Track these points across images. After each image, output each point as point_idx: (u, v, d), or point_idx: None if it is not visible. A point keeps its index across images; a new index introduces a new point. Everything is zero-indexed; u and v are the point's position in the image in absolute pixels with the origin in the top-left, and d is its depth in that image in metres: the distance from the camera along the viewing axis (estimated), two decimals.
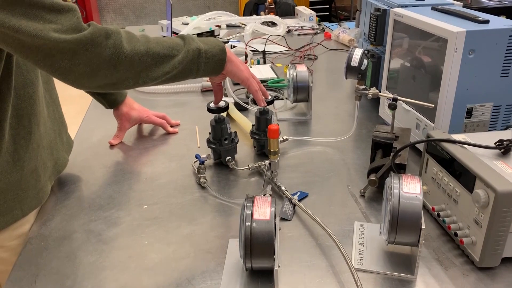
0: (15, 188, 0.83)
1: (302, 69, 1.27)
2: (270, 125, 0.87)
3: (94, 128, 1.26)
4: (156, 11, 7.12)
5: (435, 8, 1.05)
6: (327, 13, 5.40)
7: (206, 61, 0.86)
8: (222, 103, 1.02)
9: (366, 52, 1.32)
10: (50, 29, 0.67)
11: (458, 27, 0.87)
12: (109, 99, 1.15)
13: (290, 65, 1.31)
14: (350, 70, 0.96)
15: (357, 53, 0.95)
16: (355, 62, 0.94)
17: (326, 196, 0.92)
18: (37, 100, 0.87)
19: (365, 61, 0.94)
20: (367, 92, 0.95)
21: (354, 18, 5.41)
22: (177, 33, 2.12)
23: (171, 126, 1.26)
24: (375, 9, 1.23)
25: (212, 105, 1.02)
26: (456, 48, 0.86)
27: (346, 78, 0.98)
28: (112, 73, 0.74)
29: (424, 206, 0.84)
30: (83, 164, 1.08)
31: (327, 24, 2.50)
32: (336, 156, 1.08)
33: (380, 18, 1.20)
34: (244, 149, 1.12)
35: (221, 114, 1.03)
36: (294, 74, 1.26)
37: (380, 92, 0.96)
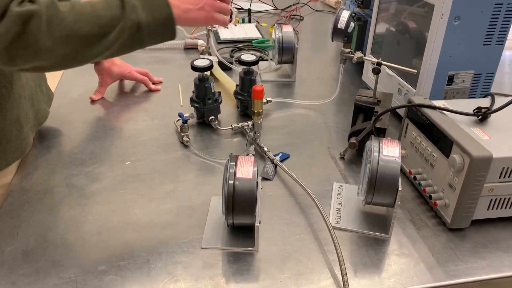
0: None
1: (288, 29, 1.26)
2: (254, 86, 0.87)
3: (74, 83, 1.23)
4: None
5: None
6: None
7: (149, 34, 0.76)
8: (206, 61, 1.01)
9: (353, 15, 1.31)
10: None
11: None
12: None
13: (276, 25, 1.29)
14: (337, 32, 0.95)
15: (344, 15, 0.95)
16: (341, 24, 0.94)
17: (307, 157, 0.94)
18: None
19: (352, 24, 0.94)
20: (352, 55, 0.95)
21: None
22: None
23: (154, 84, 1.24)
24: None
25: (196, 62, 1.00)
26: (442, 14, 0.86)
27: (332, 41, 0.98)
28: (34, 61, 0.69)
29: (402, 169, 0.87)
30: (63, 118, 1.06)
31: None
32: (318, 119, 1.09)
33: None
34: (228, 109, 1.12)
35: (205, 73, 1.02)
36: (280, 34, 1.25)
37: (364, 56, 0.97)
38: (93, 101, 1.15)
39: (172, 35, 0.78)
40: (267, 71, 1.34)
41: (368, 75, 1.19)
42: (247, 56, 1.05)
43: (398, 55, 1.03)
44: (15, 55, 0.66)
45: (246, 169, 0.67)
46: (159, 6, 0.76)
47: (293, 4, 1.97)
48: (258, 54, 1.47)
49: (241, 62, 1.05)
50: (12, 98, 0.84)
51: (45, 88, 1.02)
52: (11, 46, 0.64)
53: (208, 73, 1.16)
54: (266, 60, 1.42)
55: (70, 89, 1.19)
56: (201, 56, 1.40)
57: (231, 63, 1.33)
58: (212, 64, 1.01)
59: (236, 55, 1.46)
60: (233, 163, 0.67)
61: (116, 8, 0.73)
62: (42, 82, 1.00)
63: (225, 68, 1.31)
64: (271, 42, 1.55)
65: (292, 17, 1.86)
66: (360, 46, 1.28)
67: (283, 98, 1.16)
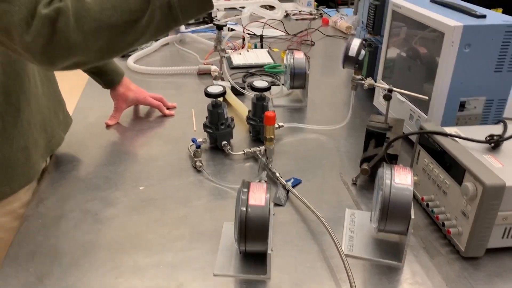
0: (4, 165, 0.84)
1: (299, 55, 1.28)
2: (266, 112, 0.88)
3: (91, 107, 1.26)
4: None
5: (434, 1, 1.06)
6: None
7: (183, 10, 0.72)
8: (219, 88, 1.02)
9: (363, 41, 1.32)
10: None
11: (456, 21, 0.88)
12: (106, 79, 1.15)
13: (287, 51, 1.32)
14: (348, 59, 0.97)
15: (355, 43, 0.96)
16: (352, 52, 0.95)
17: (319, 183, 0.94)
18: (26, 77, 0.87)
19: (363, 52, 0.95)
20: (363, 82, 0.96)
21: (352, 4, 5.38)
22: None
23: (168, 109, 1.26)
24: None
25: (210, 89, 1.02)
26: (453, 42, 0.87)
27: (344, 68, 0.99)
28: (71, 57, 0.69)
29: (414, 196, 0.86)
30: (79, 143, 1.08)
31: (325, 9, 2.50)
32: (330, 143, 1.10)
33: (378, 8, 1.20)
34: (240, 134, 1.14)
35: (218, 99, 1.03)
36: (292, 60, 1.27)
37: (375, 82, 0.98)
38: (108, 126, 1.17)
39: (209, 5, 0.74)
40: (278, 96, 1.36)
41: (379, 100, 1.20)
42: (259, 83, 1.07)
43: (409, 80, 1.04)
44: (52, 56, 0.67)
45: (258, 196, 0.67)
46: None
47: (304, 30, 2.00)
48: (270, 79, 1.49)
49: (253, 88, 1.07)
50: (19, 125, 0.86)
51: (62, 115, 1.04)
52: (46, 48, 0.66)
53: (221, 99, 1.18)
54: (278, 85, 1.44)
55: (86, 114, 1.22)
56: (214, 81, 1.43)
57: (244, 88, 1.35)
58: (225, 90, 1.03)
59: (249, 80, 1.48)
60: (245, 190, 0.68)
61: None
62: (58, 109, 1.02)
63: (237, 93, 1.33)
64: (282, 68, 1.57)
65: (303, 42, 1.88)
66: (371, 72, 1.29)
67: (295, 123, 1.17)
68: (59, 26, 0.65)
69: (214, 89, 1.02)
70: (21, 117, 0.86)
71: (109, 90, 1.19)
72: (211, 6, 0.74)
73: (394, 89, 0.92)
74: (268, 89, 1.06)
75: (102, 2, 0.69)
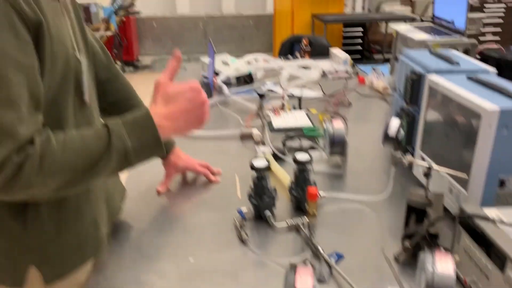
0: (77, 239, 0.92)
1: (338, 125, 1.34)
2: (309, 187, 0.94)
3: (143, 176, 1.34)
4: (192, 39, 7.38)
5: (471, 78, 1.10)
6: (360, 48, 5.48)
7: (137, 157, 0.84)
8: (264, 162, 1.09)
9: (401, 109, 1.37)
10: None
11: (493, 104, 0.92)
12: None
13: (326, 119, 1.38)
14: (387, 139, 1.02)
15: (394, 123, 1.01)
16: (392, 132, 1.00)
17: (361, 258, 0.97)
18: None
19: (402, 132, 1.00)
20: (403, 159, 1.00)
21: (387, 53, 5.43)
22: (217, 74, 2.23)
23: (213, 175, 1.34)
24: (411, 72, 1.29)
25: (255, 162, 1.09)
26: (490, 125, 0.91)
27: (383, 146, 1.04)
28: (28, 193, 0.77)
29: (457, 276, 0.88)
30: (133, 211, 1.16)
31: (361, 66, 2.57)
32: (371, 215, 1.13)
33: (415, 82, 1.25)
34: (282, 201, 1.18)
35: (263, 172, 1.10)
36: (331, 129, 1.33)
37: (414, 150, 1.01)
38: (159, 193, 1.25)
39: (161, 152, 0.86)
40: (318, 162, 1.41)
41: (418, 170, 1.23)
42: (301, 155, 1.13)
43: (448, 148, 1.07)
44: (10, 191, 0.75)
45: (305, 280, 0.72)
46: (146, 131, 0.83)
47: (341, 90, 2.06)
48: (309, 143, 1.55)
49: (295, 161, 1.13)
50: (90, 200, 0.94)
51: (120, 187, 1.13)
52: (6, 185, 0.73)
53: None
54: (317, 149, 1.49)
55: (139, 182, 1.31)
56: (256, 147, 1.50)
57: (284, 153, 1.41)
58: (269, 165, 1.09)
59: (288, 143, 1.55)
60: (292, 274, 0.72)
61: (104, 138, 0.80)
62: (117, 181, 1.11)
63: (277, 158, 1.40)
64: (321, 131, 1.63)
65: (340, 103, 1.95)
66: (409, 141, 1.33)
67: (336, 193, 1.20)
68: (24, 170, 0.73)
69: (259, 162, 1.09)
70: (91, 193, 0.95)
71: (160, 158, 1.27)
72: (162, 151, 0.86)
73: (433, 166, 0.96)
74: (309, 162, 1.12)
75: (65, 145, 0.78)
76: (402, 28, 2.00)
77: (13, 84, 0.73)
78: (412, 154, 1.26)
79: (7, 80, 0.73)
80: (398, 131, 1.00)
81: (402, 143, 1.24)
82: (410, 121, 1.31)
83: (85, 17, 4.80)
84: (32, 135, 0.75)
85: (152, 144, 0.85)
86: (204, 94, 0.93)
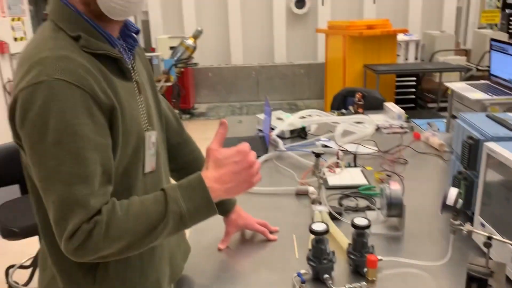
0: None
1: (395, 187, 1.36)
2: (369, 255, 0.96)
3: (205, 232, 1.42)
4: (245, 87, 7.65)
5: None
6: (413, 96, 5.45)
7: (192, 219, 0.91)
8: (323, 226, 1.13)
9: (458, 172, 1.38)
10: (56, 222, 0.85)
11: None
12: (222, 208, 1.31)
13: (382, 179, 1.41)
14: (446, 208, 1.03)
15: (453, 192, 1.03)
16: (450, 201, 1.02)
17: None
18: None
19: (460, 201, 1.02)
20: (462, 228, 1.01)
21: (442, 102, 5.34)
22: (272, 128, 2.32)
23: (271, 233, 1.39)
24: (467, 137, 1.30)
25: (314, 226, 1.13)
26: None
27: (441, 214, 1.06)
28: (95, 256, 0.87)
29: None
30: (195, 267, 1.23)
31: (416, 121, 2.57)
32: (430, 282, 1.13)
33: (472, 147, 1.27)
34: (340, 263, 1.20)
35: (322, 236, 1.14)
36: (388, 191, 1.35)
37: (473, 216, 1.02)
38: (219, 250, 1.31)
39: (213, 213, 0.93)
40: (375, 223, 1.43)
41: (478, 236, 1.22)
42: (360, 220, 1.16)
43: (510, 214, 1.06)
44: (80, 255, 0.86)
45: None
46: (199, 194, 0.91)
47: (396, 146, 2.08)
48: (365, 202, 1.57)
49: (353, 226, 1.16)
50: (153, 261, 1.02)
51: (183, 245, 1.21)
52: (77, 249, 0.84)
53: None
54: (374, 209, 1.51)
55: (201, 238, 1.38)
56: (313, 205, 1.54)
57: (340, 213, 1.44)
58: (328, 229, 1.13)
59: (345, 202, 1.58)
60: None
61: (161, 202, 0.89)
62: (181, 241, 1.19)
63: (334, 217, 1.43)
64: (377, 190, 1.65)
65: (395, 160, 1.96)
66: (468, 204, 1.33)
67: (394, 257, 1.21)
68: (92, 236, 0.84)
69: (318, 226, 1.13)
70: (155, 254, 1.03)
71: (221, 216, 1.34)
72: (215, 213, 0.93)
73: (494, 237, 0.96)
74: (368, 227, 1.14)
75: (128, 212, 0.87)
76: (457, 86, 2.02)
77: (89, 163, 0.85)
78: (472, 219, 1.26)
79: (85, 159, 0.85)
80: (456, 200, 1.02)
81: (461, 211, 1.24)
82: (468, 185, 1.31)
83: None
84: (101, 206, 0.86)
85: (204, 206, 0.92)
86: (251, 156, 0.99)
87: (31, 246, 2.89)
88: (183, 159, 1.29)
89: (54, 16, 0.93)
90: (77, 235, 0.83)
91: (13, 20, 5.53)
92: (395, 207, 1.34)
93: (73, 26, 0.91)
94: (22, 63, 0.88)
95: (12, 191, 2.38)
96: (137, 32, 1.05)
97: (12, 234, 2.10)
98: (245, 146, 0.98)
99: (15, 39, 5.55)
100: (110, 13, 0.92)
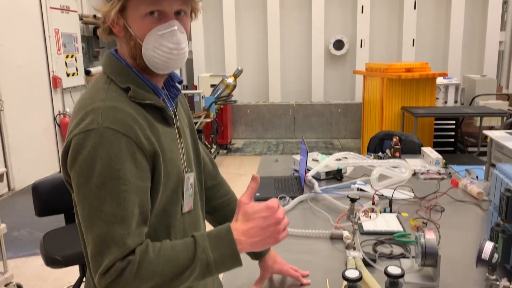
0: None
1: (430, 236, 1.36)
2: None
3: (239, 274, 1.44)
4: (282, 125, 7.76)
5: None
6: (453, 140, 5.35)
7: (217, 268, 0.94)
8: (356, 273, 1.14)
9: (496, 225, 1.36)
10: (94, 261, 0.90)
11: None
12: (255, 252, 1.34)
13: (418, 226, 1.41)
14: (481, 262, 1.03)
15: (488, 246, 1.03)
16: (485, 255, 1.02)
17: None
18: None
19: (496, 255, 1.01)
20: (498, 283, 1.00)
21: (482, 146, 5.22)
22: (309, 169, 2.36)
23: (303, 276, 1.40)
24: (505, 189, 1.30)
25: (347, 273, 1.15)
26: None
27: (476, 267, 1.05)
28: None
29: None
30: None
31: (454, 167, 2.54)
32: None
33: (510, 200, 1.26)
34: None
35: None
36: (423, 240, 1.35)
37: (510, 279, 1.01)
38: None
39: (238, 265, 0.96)
40: (409, 272, 1.42)
41: None
42: (393, 269, 1.17)
43: None
44: None
45: None
46: (226, 245, 0.94)
47: (433, 193, 2.06)
48: (400, 250, 1.56)
49: (387, 274, 1.17)
50: None
51: (216, 283, 1.24)
52: (108, 286, 0.89)
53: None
54: (408, 257, 1.50)
55: (235, 279, 1.41)
56: (347, 251, 1.55)
57: (374, 260, 1.44)
58: (361, 276, 1.14)
59: (379, 249, 1.58)
60: None
61: (191, 250, 0.93)
62: (214, 278, 1.23)
63: (367, 264, 1.43)
64: (412, 237, 1.64)
65: (432, 208, 1.94)
66: (506, 258, 1.30)
67: None
68: (124, 274, 0.88)
69: (351, 273, 1.14)
70: None
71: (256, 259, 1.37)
72: (240, 264, 0.96)
73: None
74: (401, 276, 1.15)
75: (159, 255, 0.92)
76: (496, 134, 2.00)
77: (129, 205, 0.92)
78: (510, 273, 1.23)
79: (125, 202, 0.92)
80: (492, 255, 1.01)
81: (497, 266, 1.23)
82: (506, 239, 1.29)
83: (189, 105, 5.35)
84: (136, 246, 0.92)
85: (230, 257, 0.95)
86: (280, 213, 1.00)
87: (69, 274, 3.00)
88: (217, 201, 1.35)
89: (107, 69, 1.04)
90: (110, 272, 0.89)
91: (67, 57, 5.93)
92: (429, 257, 1.33)
93: (123, 78, 1.02)
94: (77, 111, 0.98)
95: (58, 220, 2.51)
96: (180, 82, 1.15)
97: (56, 262, 2.20)
98: (274, 202, 1.00)
99: (68, 74, 5.93)
100: (154, 68, 1.03)
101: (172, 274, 0.92)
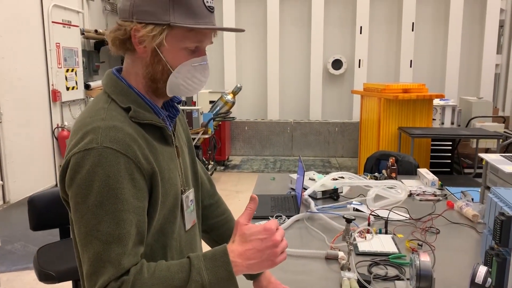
0: None
1: (425, 258, 1.36)
2: None
3: None
4: (280, 142, 7.78)
5: None
6: (449, 161, 5.38)
7: None
8: None
9: (490, 248, 1.37)
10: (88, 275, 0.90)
11: None
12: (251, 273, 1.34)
13: (413, 249, 1.41)
14: (475, 286, 1.03)
15: (482, 270, 1.04)
16: (479, 279, 1.02)
17: None
18: None
19: (489, 280, 1.02)
20: None
21: (478, 168, 5.24)
22: (306, 188, 2.36)
23: None
24: (499, 213, 1.31)
25: None
26: None
27: None
28: None
29: None
30: None
31: (450, 188, 2.55)
32: None
33: (505, 224, 1.27)
34: None
35: None
36: (417, 262, 1.35)
37: None
38: None
39: (234, 287, 0.93)
40: None
41: None
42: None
43: None
44: None
45: None
46: (222, 266, 0.92)
47: (428, 214, 2.07)
48: (395, 271, 1.56)
49: None
50: None
51: None
52: None
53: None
54: (403, 279, 1.50)
55: None
56: (342, 272, 1.55)
57: (369, 282, 1.44)
58: None
59: (374, 270, 1.58)
60: None
61: (185, 271, 0.91)
62: None
63: (362, 285, 1.43)
64: (407, 259, 1.64)
65: (427, 229, 1.94)
66: (500, 282, 1.31)
67: None
68: None
69: None
70: None
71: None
72: (235, 287, 0.93)
73: None
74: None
75: (153, 275, 0.90)
76: (492, 157, 2.02)
77: (126, 225, 0.92)
78: None
79: (123, 221, 0.92)
80: (485, 279, 1.02)
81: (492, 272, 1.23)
82: (500, 262, 1.30)
83: (187, 121, 5.37)
84: (131, 266, 0.91)
85: (226, 279, 0.92)
86: (277, 235, 0.98)
87: None
88: (214, 220, 1.36)
89: (108, 88, 1.05)
90: None
91: (67, 71, 5.97)
92: (424, 279, 1.33)
93: (124, 98, 1.03)
94: (77, 130, 0.98)
95: (52, 234, 2.50)
96: (179, 103, 1.16)
97: (49, 278, 2.18)
98: (272, 224, 0.98)
99: (67, 88, 5.96)
100: (173, 93, 1.05)
101: None
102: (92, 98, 1.09)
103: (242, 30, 1.08)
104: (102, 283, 0.89)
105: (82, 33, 6.38)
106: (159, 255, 1.03)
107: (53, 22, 5.61)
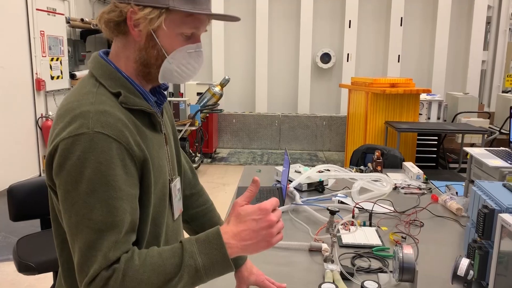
0: None
1: (408, 251, 1.36)
2: None
3: (214, 284, 1.43)
4: (267, 136, 7.76)
5: None
6: (435, 155, 5.42)
7: (207, 274, 0.90)
8: (332, 287, 1.13)
9: (473, 241, 1.37)
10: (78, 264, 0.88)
11: None
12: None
13: (396, 241, 1.41)
14: (457, 278, 1.03)
15: (464, 263, 1.03)
16: (461, 272, 1.02)
17: None
18: None
19: (471, 272, 1.01)
20: None
21: (463, 163, 5.30)
22: (290, 181, 2.35)
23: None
24: (483, 206, 1.31)
25: (323, 287, 1.14)
26: None
27: (452, 284, 1.05)
28: None
29: None
30: None
31: (435, 182, 2.57)
32: None
33: (488, 216, 1.27)
34: None
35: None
36: (401, 255, 1.35)
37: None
38: None
39: (229, 270, 0.91)
40: (386, 287, 1.41)
41: None
42: (370, 283, 1.16)
43: None
44: None
45: None
46: (216, 249, 0.89)
47: (413, 207, 2.07)
48: (378, 264, 1.56)
49: None
50: None
51: None
52: None
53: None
54: (386, 272, 1.50)
55: None
56: (325, 264, 1.54)
57: (352, 274, 1.44)
58: None
59: (357, 262, 1.57)
60: None
61: (178, 256, 0.88)
62: None
63: (344, 277, 1.42)
64: (391, 252, 1.64)
65: (412, 222, 1.95)
66: (482, 275, 1.31)
67: None
68: (109, 283, 0.85)
69: (328, 287, 1.13)
70: None
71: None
72: (231, 269, 0.91)
73: None
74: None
75: (145, 263, 0.88)
76: (476, 151, 2.03)
77: (119, 213, 0.89)
78: None
79: (116, 209, 0.89)
80: (468, 271, 1.01)
81: (472, 283, 1.23)
82: (483, 255, 1.30)
83: (174, 113, 5.33)
84: (121, 254, 0.88)
85: (220, 262, 0.90)
86: (273, 216, 0.94)
87: (43, 281, 2.93)
88: (195, 210, 1.33)
89: (96, 72, 1.01)
90: (95, 281, 0.86)
91: (52, 60, 5.86)
92: (407, 272, 1.33)
93: (113, 83, 0.99)
94: (63, 114, 0.94)
95: (33, 225, 2.45)
96: (166, 89, 1.13)
97: (29, 269, 2.14)
98: (267, 204, 0.94)
99: (52, 77, 5.85)
100: (165, 79, 1.01)
101: (160, 282, 0.88)
102: (78, 81, 1.05)
103: (238, 19, 1.05)
104: (93, 272, 0.86)
105: (68, 22, 6.26)
106: (150, 244, 1.00)
107: (37, 9, 5.49)
